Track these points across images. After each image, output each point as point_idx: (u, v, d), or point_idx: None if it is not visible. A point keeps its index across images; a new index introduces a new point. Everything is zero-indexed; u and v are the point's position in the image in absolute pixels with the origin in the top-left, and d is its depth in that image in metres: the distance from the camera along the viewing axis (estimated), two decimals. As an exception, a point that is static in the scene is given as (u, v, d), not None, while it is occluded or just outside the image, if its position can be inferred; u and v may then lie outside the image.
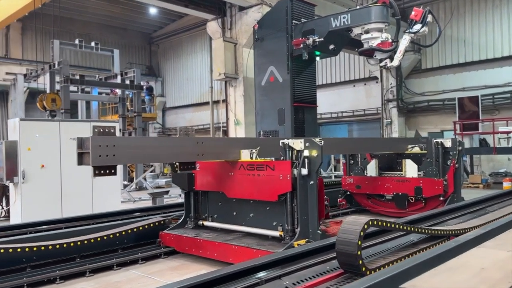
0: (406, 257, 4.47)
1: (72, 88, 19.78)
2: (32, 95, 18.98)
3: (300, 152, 5.06)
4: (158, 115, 29.13)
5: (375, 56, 8.58)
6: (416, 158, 8.54)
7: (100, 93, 19.39)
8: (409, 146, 8.75)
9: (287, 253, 4.20)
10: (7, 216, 8.91)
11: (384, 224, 4.23)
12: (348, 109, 20.32)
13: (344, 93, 20.57)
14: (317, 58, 10.27)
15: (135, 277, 5.12)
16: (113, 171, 4.39)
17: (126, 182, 15.88)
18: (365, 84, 19.87)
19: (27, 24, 24.43)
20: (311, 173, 5.01)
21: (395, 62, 8.45)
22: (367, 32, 8.42)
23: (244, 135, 11.29)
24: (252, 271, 3.84)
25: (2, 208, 9.35)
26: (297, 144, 5.06)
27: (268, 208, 5.42)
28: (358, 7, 8.72)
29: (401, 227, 4.46)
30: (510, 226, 4.49)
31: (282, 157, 5.20)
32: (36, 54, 16.09)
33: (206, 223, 6.14)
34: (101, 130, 4.32)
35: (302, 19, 10.02)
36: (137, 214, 7.51)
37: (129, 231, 5.92)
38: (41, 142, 7.52)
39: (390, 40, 8.31)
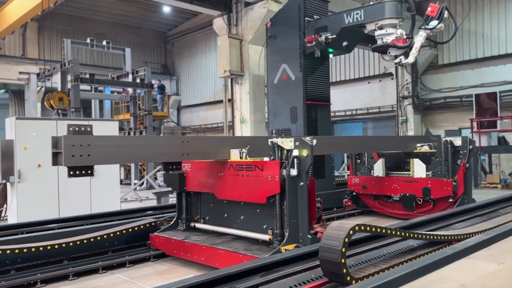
0: (400, 265, 4.17)
1: (86, 87, 20.00)
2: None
3: (289, 151, 4.79)
4: (173, 114, 29.16)
5: (389, 52, 8.38)
6: (425, 157, 8.16)
7: (112, 92, 19.38)
8: (418, 144, 8.36)
9: (269, 260, 3.94)
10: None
11: (373, 229, 3.93)
12: (363, 106, 19.85)
13: (359, 90, 20.10)
14: (330, 56, 10.14)
15: (119, 281, 4.93)
16: (89, 171, 4.20)
17: (136, 181, 15.82)
18: (380, 80, 19.37)
19: (43, 24, 24.69)
20: (301, 173, 4.74)
21: (411, 59, 8.25)
22: (381, 28, 8.22)
23: (250, 133, 11.04)
24: (228, 280, 3.60)
25: (6, 207, 9.34)
26: (287, 143, 4.79)
27: (258, 210, 5.18)
28: (371, 2, 8.43)
29: (393, 232, 4.15)
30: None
31: (272, 157, 4.94)
32: (50, 53, 16.19)
33: (198, 225, 5.93)
34: (76, 129, 4.13)
35: (315, 16, 9.92)
36: (133, 214, 7.35)
37: (118, 233, 5.74)
38: (38, 141, 7.41)
39: (404, 36, 8.07)
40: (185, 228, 5.99)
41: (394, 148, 8.31)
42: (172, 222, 6.09)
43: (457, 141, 7.65)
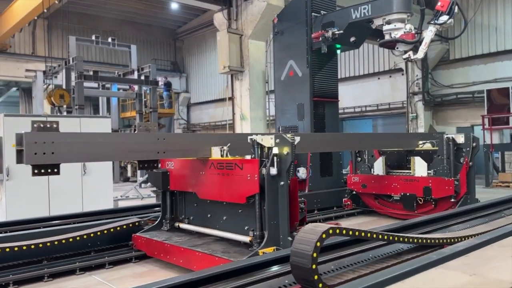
0: (382, 270, 3.89)
1: (93, 84, 20.01)
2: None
3: (270, 149, 4.53)
4: (182, 111, 29.09)
5: (397, 48, 8.22)
6: (427, 155, 7.82)
7: (119, 90, 19.35)
8: (420, 142, 8.02)
9: (240, 264, 3.70)
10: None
11: (350, 232, 3.65)
12: (373, 103, 19.41)
13: (368, 86, 19.66)
14: (338, 51, 9.99)
15: (93, 283, 4.75)
16: (55, 170, 4.02)
17: (142, 179, 15.72)
18: (390, 76, 18.91)
19: (52, 22, 24.82)
20: (282, 172, 4.48)
21: (420, 55, 8.09)
22: (389, 23, 8.07)
23: (250, 130, 10.79)
24: (193, 285, 3.37)
25: None
26: (267, 140, 4.54)
27: (240, 211, 4.94)
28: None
29: (374, 236, 3.86)
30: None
31: (252, 155, 4.70)
32: (62, 51, 16.18)
33: (182, 225, 5.72)
34: (41, 125, 3.95)
35: (322, 11, 9.79)
36: (123, 213, 7.19)
37: (98, 233, 5.56)
38: (28, 139, 7.27)
39: (413, 31, 7.92)
40: (169, 228, 5.79)
41: (394, 146, 7.98)
42: (156, 222, 5.90)
43: (460, 138, 7.29)
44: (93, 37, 17.10)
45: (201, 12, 26.44)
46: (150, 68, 16.67)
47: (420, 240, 4.25)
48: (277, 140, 4.49)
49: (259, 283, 3.58)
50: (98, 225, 5.93)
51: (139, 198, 12.42)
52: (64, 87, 15.51)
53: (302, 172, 9.40)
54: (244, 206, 4.81)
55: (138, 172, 16.87)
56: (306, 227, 3.56)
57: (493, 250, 2.88)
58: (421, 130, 16.73)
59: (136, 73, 17.13)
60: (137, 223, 5.89)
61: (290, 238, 4.46)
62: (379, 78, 19.30)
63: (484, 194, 11.76)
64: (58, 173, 4.04)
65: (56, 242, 5.22)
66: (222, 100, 25.67)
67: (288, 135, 4.53)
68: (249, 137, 4.62)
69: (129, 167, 19.19)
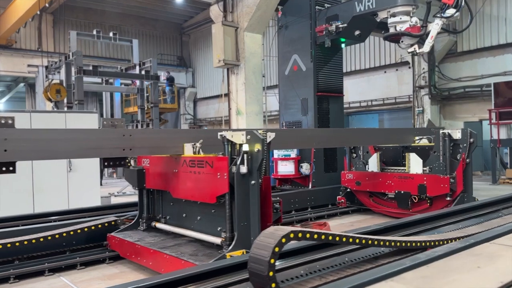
0: (347, 277, 3.62)
1: (97, 79, 19.91)
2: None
3: (241, 146, 4.28)
4: (189, 106, 28.93)
5: (402, 41, 8.11)
6: (423, 151, 7.49)
7: (123, 85, 19.20)
8: (416, 138, 7.69)
9: (199, 269, 3.46)
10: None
11: (315, 236, 3.38)
12: (379, 97, 18.97)
13: (375, 80, 19.22)
14: (343, 45, 9.86)
15: (59, 286, 4.57)
16: (11, 168, 3.83)
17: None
18: (396, 70, 18.44)
19: (58, 17, 24.82)
20: (253, 171, 4.23)
21: (426, 48, 7.96)
22: (393, 15, 7.93)
23: (246, 125, 10.54)
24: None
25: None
26: (238, 137, 4.28)
27: (213, 211, 4.71)
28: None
29: (343, 239, 3.58)
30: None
31: (222, 153, 4.45)
32: (68, 46, 16.01)
33: (158, 225, 5.51)
34: (-5, 122, 3.75)
35: (326, 5, 9.68)
36: (109, 210, 7.02)
37: (71, 232, 5.37)
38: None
39: (419, 25, 7.80)
40: (145, 228, 5.59)
41: (389, 142, 7.67)
42: (133, 222, 5.70)
43: (456, 134, 6.95)
44: (94, 32, 16.93)
45: (207, 5, 26.00)
46: (151, 62, 16.48)
47: (394, 243, 3.97)
48: (248, 137, 4.24)
49: (215, 291, 3.35)
50: (76, 224, 5.76)
51: (136, 194, 12.24)
52: (64, 82, 15.44)
53: (305, 168, 9.22)
54: (216, 206, 4.58)
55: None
56: (266, 230, 3.31)
57: (461, 259, 2.60)
58: (435, 125, 16.28)
59: (137, 67, 16.98)
60: (113, 222, 5.70)
61: (260, 241, 4.19)
62: (385, 72, 18.85)
63: (489, 192, 11.37)
64: (14, 171, 3.85)
65: (26, 242, 5.04)
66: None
67: (260, 131, 4.27)
68: (219, 133, 4.37)
69: (132, 163, 19.07)
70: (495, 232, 3.67)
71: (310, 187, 9.08)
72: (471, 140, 6.87)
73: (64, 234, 5.31)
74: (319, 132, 6.88)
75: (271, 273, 3.06)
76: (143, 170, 5.44)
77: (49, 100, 12.71)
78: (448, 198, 6.88)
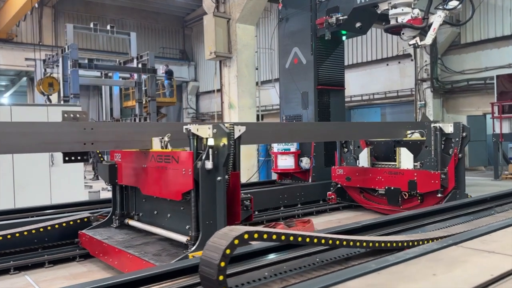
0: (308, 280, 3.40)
1: (96, 73, 19.78)
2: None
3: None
4: (191, 100, 28.75)
5: (403, 33, 7.92)
6: (415, 146, 7.21)
7: (122, 78, 19.07)
8: (408, 132, 7.40)
9: (152, 271, 3.25)
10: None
11: (274, 237, 3.15)
12: (381, 90, 18.61)
13: (377, 72, 18.85)
14: (343, 38, 9.65)
15: (20, 285, 4.40)
16: (-39, 164, 3.63)
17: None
18: (399, 62, 18.06)
19: (59, 10, 24.73)
20: (219, 166, 4.00)
21: (428, 41, 7.80)
22: (394, 7, 7.73)
23: (238, 119, 10.31)
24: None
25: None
26: (204, 130, 4.06)
27: (182, 208, 4.49)
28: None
29: (307, 239, 3.35)
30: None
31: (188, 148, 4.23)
32: (68, 39, 15.83)
33: (131, 222, 5.32)
34: None
35: None
36: (83, 207, 6.83)
37: (41, 229, 5.18)
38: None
39: (420, 17, 7.63)
40: (118, 225, 5.40)
41: (379, 136, 7.40)
42: (106, 218, 5.51)
43: (448, 128, 6.66)
44: (92, 25, 16.77)
45: (209, -2, 25.92)
46: (149, 56, 16.32)
47: (367, 244, 3.73)
48: (214, 130, 4.01)
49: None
50: (51, 220, 5.59)
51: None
52: (61, 75, 15.34)
53: (305, 162, 9.04)
54: (185, 203, 4.36)
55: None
56: (220, 230, 3.09)
57: (420, 264, 2.36)
58: (430, 118, 15.92)
59: (135, 61, 16.82)
60: (86, 219, 5.51)
61: (226, 240, 3.97)
62: (387, 64, 18.47)
63: (489, 188, 11.03)
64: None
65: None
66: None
67: (227, 125, 4.04)
68: (184, 127, 4.15)
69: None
70: (476, 233, 3.39)
71: (310, 181, 8.90)
72: (464, 134, 6.58)
73: (34, 231, 5.12)
74: (301, 126, 6.61)
75: (221, 277, 2.83)
76: (115, 165, 5.23)
77: (42, 93, 12.55)
78: (439, 195, 6.61)
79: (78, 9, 25.34)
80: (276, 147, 9.38)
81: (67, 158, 4.17)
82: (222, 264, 2.84)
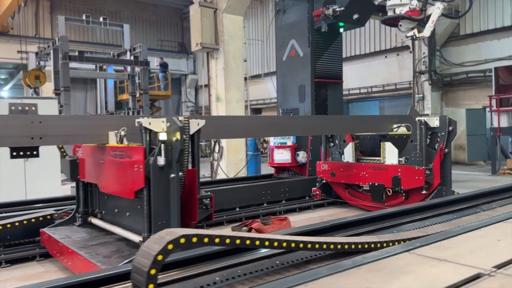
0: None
1: (91, 66, 19.57)
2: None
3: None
4: (190, 94, 28.49)
5: (400, 25, 7.85)
6: (401, 140, 6.92)
7: (116, 71, 18.81)
8: (394, 126, 7.10)
9: (86, 276, 3.01)
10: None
11: (217, 240, 2.88)
12: (380, 83, 18.24)
13: (375, 65, 18.47)
14: (341, 30, 9.46)
15: (-31, 288, 4.19)
16: None
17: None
18: (397, 54, 17.67)
19: (55, 3, 24.49)
20: (172, 163, 3.74)
21: (426, 33, 7.71)
22: None
23: (225, 113, 10.05)
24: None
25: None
26: (157, 124, 3.79)
27: (139, 207, 4.23)
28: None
29: (256, 242, 3.09)
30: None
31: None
32: (59, 31, 15.65)
33: (94, 221, 5.08)
34: None
35: None
36: (55, 203, 6.61)
37: (1, 227, 4.97)
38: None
39: (418, 8, 7.53)
40: (81, 223, 5.16)
41: (361, 130, 7.13)
42: (70, 216, 5.28)
43: (434, 122, 6.35)
44: (84, 17, 16.52)
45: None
46: (141, 48, 16.04)
47: (327, 246, 3.46)
48: (168, 124, 3.75)
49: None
50: (14, 217, 5.38)
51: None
52: (52, 68, 15.12)
53: (302, 156, 8.84)
54: (141, 202, 4.11)
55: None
56: (158, 233, 2.82)
57: (355, 276, 2.09)
58: (427, 112, 15.58)
59: (128, 53, 16.55)
60: (48, 216, 5.28)
61: (179, 241, 3.72)
62: (386, 57, 18.09)
63: (485, 183, 10.69)
64: None
65: None
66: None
67: (181, 118, 3.78)
68: (136, 120, 3.88)
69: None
70: (437, 237, 3.11)
71: (307, 175, 8.69)
72: (450, 128, 6.27)
73: (-2, 228, 4.92)
74: (276, 120, 6.33)
75: (151, 286, 2.58)
76: (77, 160, 4.99)
77: (28, 86, 12.34)
78: (424, 192, 6.32)
79: (75, 1, 25.09)
80: (272, 140, 9.23)
81: (14, 154, 3.93)
82: (153, 271, 2.58)
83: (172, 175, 3.75)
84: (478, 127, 14.34)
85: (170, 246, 2.67)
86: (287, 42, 9.63)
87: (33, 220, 5.18)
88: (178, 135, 3.68)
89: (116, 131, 4.23)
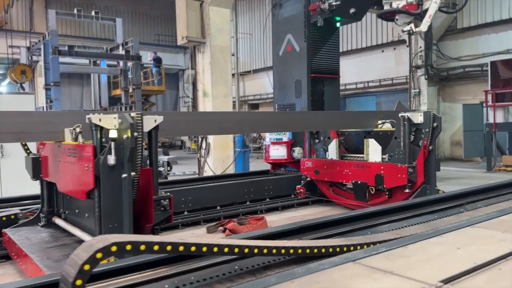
0: None
1: (84, 60, 19.36)
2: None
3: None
4: (188, 89, 28.24)
5: (396, 19, 7.71)
6: (385, 137, 6.67)
7: (109, 66, 18.60)
8: (380, 122, 6.86)
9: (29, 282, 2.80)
10: None
11: (156, 248, 2.66)
12: (376, 78, 17.96)
13: (372, 59, 18.18)
14: (338, 24, 9.27)
15: None
16: None
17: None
18: (394, 48, 17.36)
19: (50, -3, 24.29)
20: (123, 162, 3.52)
21: (423, 27, 7.54)
22: None
23: (212, 108, 9.82)
24: None
25: None
26: (108, 121, 3.58)
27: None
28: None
29: (203, 249, 2.86)
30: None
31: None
32: (61, 27, 15.45)
33: (57, 221, 4.88)
34: None
35: None
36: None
37: (-40, 228, 4.80)
38: None
39: (416, 2, 7.42)
40: (45, 223, 4.97)
41: (343, 126, 6.89)
42: (34, 216, 5.09)
43: (418, 117, 6.10)
44: (75, 11, 16.29)
45: (204, -16, 25.25)
46: (133, 42, 15.79)
47: (283, 251, 3.24)
48: (119, 121, 3.53)
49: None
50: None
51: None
52: (43, 63, 14.94)
53: (297, 152, 8.65)
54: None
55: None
56: (91, 240, 2.61)
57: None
58: (423, 107, 15.30)
59: (121, 48, 16.33)
60: (12, 216, 5.09)
61: (132, 245, 3.51)
62: (383, 51, 17.79)
63: (479, 180, 10.45)
64: None
65: None
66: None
67: (133, 114, 3.55)
68: (86, 117, 3.67)
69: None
70: (395, 244, 2.88)
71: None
72: (435, 124, 6.02)
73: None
74: (248, 116, 6.08)
75: (76, 298, 2.38)
76: (39, 158, 4.79)
77: (15, 81, 12.15)
78: (407, 190, 6.08)
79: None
80: (268, 136, 9.09)
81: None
82: (78, 282, 2.36)
83: (124, 175, 3.53)
84: (475, 122, 14.03)
85: (99, 255, 2.44)
86: (283, 37, 9.48)
87: (-5, 220, 4.99)
88: (129, 133, 3.46)
89: (72, 128, 4.01)
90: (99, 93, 19.34)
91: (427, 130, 6.06)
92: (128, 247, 2.57)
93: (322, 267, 2.34)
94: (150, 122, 3.71)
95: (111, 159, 3.47)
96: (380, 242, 3.80)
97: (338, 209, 7.13)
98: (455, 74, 15.20)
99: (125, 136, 3.47)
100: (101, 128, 3.60)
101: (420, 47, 15.36)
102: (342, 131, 7.42)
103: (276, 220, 6.52)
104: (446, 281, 1.93)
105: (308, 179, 7.61)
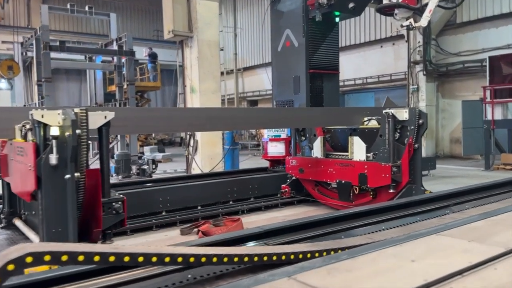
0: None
1: (80, 56, 19.16)
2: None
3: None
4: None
5: (396, 14, 7.58)
6: (371, 135, 6.38)
7: (104, 62, 18.39)
8: (365, 119, 6.57)
9: None
10: None
11: (80, 258, 2.40)
12: (375, 74, 17.60)
13: (371, 55, 17.82)
14: (337, 19, 8.97)
15: None
16: None
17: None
18: (393, 44, 16.99)
19: (47, -8, 24.08)
20: (66, 161, 3.27)
21: (423, 22, 7.36)
22: None
23: (200, 104, 9.55)
24: None
25: None
26: (52, 117, 3.32)
27: (48, 209, 3.78)
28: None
29: (140, 259, 2.60)
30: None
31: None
32: (58, 22, 15.23)
33: (17, 223, 4.65)
34: None
35: None
36: None
37: None
38: None
39: None
40: (5, 224, 4.75)
41: (326, 123, 6.61)
42: (-5, 217, 4.86)
43: (403, 114, 5.80)
44: (68, 6, 16.07)
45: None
46: (126, 37, 15.55)
47: (236, 259, 2.96)
48: (63, 117, 3.27)
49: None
50: None
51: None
52: (35, 58, 14.76)
53: None
54: (47, 203, 3.65)
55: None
56: (8, 249, 2.36)
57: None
58: (422, 104, 14.95)
59: (114, 43, 16.09)
60: (-28, 218, 4.87)
61: (76, 252, 3.26)
62: (381, 46, 17.42)
63: (476, 179, 10.10)
64: None
65: None
66: (229, 73, 24.32)
67: (77, 110, 3.29)
68: (29, 112, 3.41)
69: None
70: (351, 254, 2.61)
71: None
72: (420, 121, 5.72)
73: None
74: (212, 112, 5.76)
75: (-18, 314, 2.12)
76: (-2, 156, 4.55)
77: (2, 77, 11.95)
78: (392, 190, 5.79)
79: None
80: (266, 133, 8.94)
81: None
82: (-15, 296, 2.13)
83: (67, 176, 3.27)
84: (475, 119, 13.63)
85: (10, 267, 2.17)
86: (282, 32, 9.17)
87: (-47, 221, 4.77)
88: (71, 130, 3.20)
89: (20, 125, 3.76)
90: (95, 90, 19.18)
91: (412, 127, 5.76)
92: (47, 257, 2.31)
93: (272, 278, 2.09)
94: (99, 118, 3.45)
95: (53, 159, 3.22)
96: (348, 247, 3.52)
97: (323, 209, 6.85)
98: (454, 70, 14.83)
99: (67, 133, 3.21)
100: (45, 125, 3.34)
101: (419, 42, 14.99)
102: (328, 128, 7.13)
103: (256, 221, 6.24)
104: (383, 304, 1.65)
105: (294, 178, 7.33)
